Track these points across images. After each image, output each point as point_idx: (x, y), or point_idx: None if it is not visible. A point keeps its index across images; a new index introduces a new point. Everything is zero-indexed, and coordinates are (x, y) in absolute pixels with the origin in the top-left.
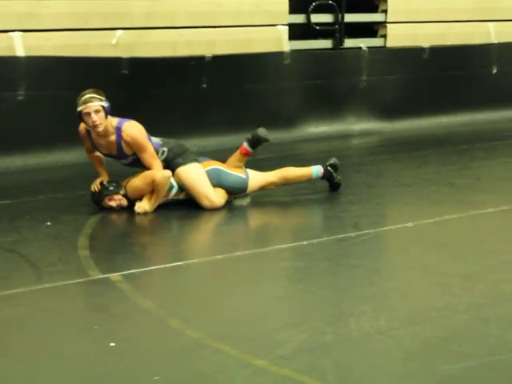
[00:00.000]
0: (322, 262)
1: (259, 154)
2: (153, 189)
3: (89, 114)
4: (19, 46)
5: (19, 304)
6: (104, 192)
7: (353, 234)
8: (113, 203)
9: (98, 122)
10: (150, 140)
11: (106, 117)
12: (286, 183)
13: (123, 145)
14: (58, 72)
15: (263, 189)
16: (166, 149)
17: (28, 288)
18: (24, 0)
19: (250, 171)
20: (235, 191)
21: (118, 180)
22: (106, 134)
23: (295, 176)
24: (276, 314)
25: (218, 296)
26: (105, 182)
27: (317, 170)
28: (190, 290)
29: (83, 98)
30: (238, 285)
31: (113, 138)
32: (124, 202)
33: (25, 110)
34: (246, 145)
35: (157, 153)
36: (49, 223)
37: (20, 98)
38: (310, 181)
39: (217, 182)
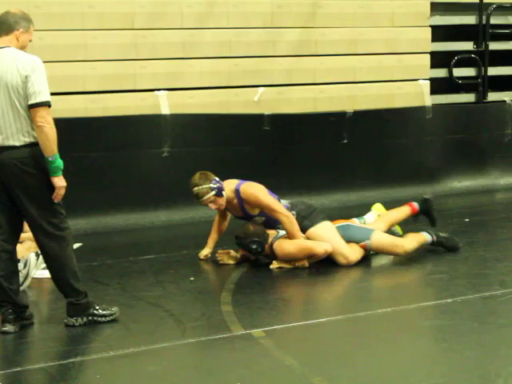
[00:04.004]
0: (467, 321)
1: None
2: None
3: (206, 205)
4: (164, 105)
5: (163, 358)
6: (251, 247)
7: (499, 292)
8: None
9: (216, 208)
10: (279, 201)
11: (221, 194)
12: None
13: (245, 206)
14: (201, 129)
15: (394, 251)
16: (294, 212)
17: (172, 343)
18: (169, 60)
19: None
20: (357, 239)
21: (261, 240)
22: (229, 200)
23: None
24: (419, 374)
25: (359, 354)
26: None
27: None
28: (331, 347)
29: (193, 191)
30: (380, 343)
31: (235, 201)
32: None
33: (169, 166)
34: (416, 205)
35: None
36: (192, 278)
37: (165, 154)
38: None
39: (347, 238)
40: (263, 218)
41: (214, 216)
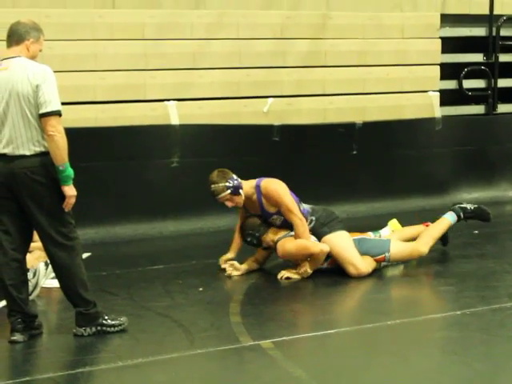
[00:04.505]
0: (476, 333)
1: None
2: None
3: (223, 202)
4: (174, 115)
5: (172, 369)
6: (245, 239)
7: (508, 305)
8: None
9: (232, 205)
10: (299, 203)
11: (238, 192)
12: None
13: (264, 201)
14: (210, 139)
15: (411, 257)
16: (314, 218)
17: (181, 353)
18: (179, 70)
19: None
20: (375, 252)
21: (255, 232)
22: (248, 197)
23: (438, 231)
24: None
25: (368, 366)
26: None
27: (450, 215)
28: (340, 359)
29: (210, 189)
30: (390, 355)
31: (254, 197)
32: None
33: (178, 176)
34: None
35: (306, 220)
36: (201, 289)
37: (174, 164)
38: (451, 228)
39: (364, 250)
40: (281, 218)
41: (222, 226)
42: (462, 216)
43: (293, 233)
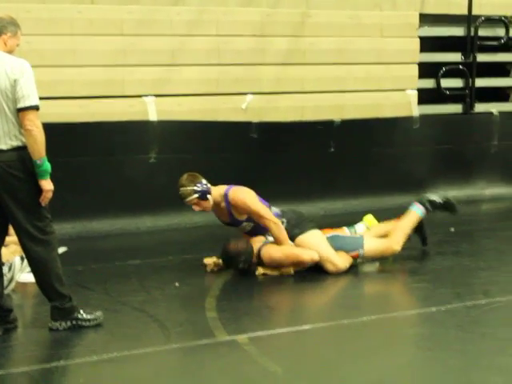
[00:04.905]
0: (451, 330)
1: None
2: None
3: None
4: (152, 111)
5: (147, 363)
6: (238, 266)
7: (483, 302)
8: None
9: (199, 210)
10: (269, 207)
11: (206, 198)
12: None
13: (233, 211)
14: (188, 136)
15: (384, 255)
16: (284, 220)
17: (156, 348)
18: (158, 66)
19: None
20: (349, 249)
21: (247, 256)
22: (217, 203)
23: (409, 226)
24: (403, 383)
25: (343, 361)
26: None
27: (418, 208)
28: (316, 355)
29: (179, 192)
30: (364, 350)
31: (223, 204)
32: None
33: (156, 172)
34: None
35: None
36: (177, 284)
37: (152, 160)
38: (421, 220)
39: (338, 247)
40: (251, 224)
41: (199, 222)
42: (430, 208)
43: (271, 238)
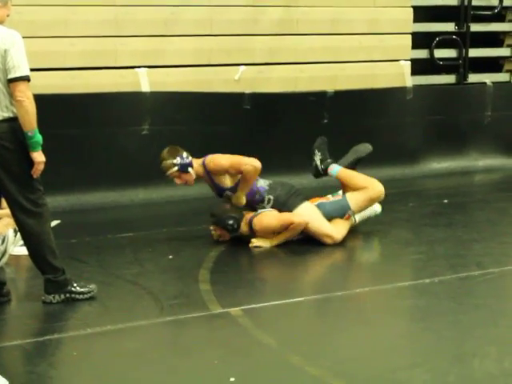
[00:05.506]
0: (444, 301)
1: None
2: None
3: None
4: (145, 82)
5: (141, 336)
6: (228, 229)
7: (476, 273)
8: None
9: (181, 183)
10: (256, 180)
11: (187, 170)
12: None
13: (214, 178)
14: (181, 107)
15: (373, 200)
16: (271, 197)
17: (150, 321)
18: (150, 37)
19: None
20: (338, 215)
21: (237, 217)
22: (200, 174)
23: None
24: (397, 353)
25: (338, 333)
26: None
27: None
28: (310, 326)
29: (160, 165)
30: (359, 322)
31: (204, 174)
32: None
33: (149, 143)
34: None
35: (262, 200)
36: (171, 256)
37: (144, 132)
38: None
39: (326, 215)
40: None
41: (193, 194)
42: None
43: (263, 210)
